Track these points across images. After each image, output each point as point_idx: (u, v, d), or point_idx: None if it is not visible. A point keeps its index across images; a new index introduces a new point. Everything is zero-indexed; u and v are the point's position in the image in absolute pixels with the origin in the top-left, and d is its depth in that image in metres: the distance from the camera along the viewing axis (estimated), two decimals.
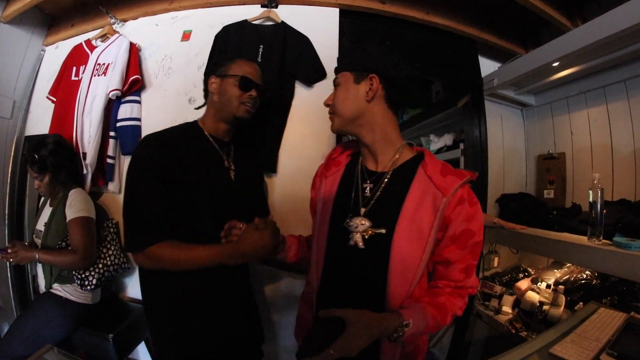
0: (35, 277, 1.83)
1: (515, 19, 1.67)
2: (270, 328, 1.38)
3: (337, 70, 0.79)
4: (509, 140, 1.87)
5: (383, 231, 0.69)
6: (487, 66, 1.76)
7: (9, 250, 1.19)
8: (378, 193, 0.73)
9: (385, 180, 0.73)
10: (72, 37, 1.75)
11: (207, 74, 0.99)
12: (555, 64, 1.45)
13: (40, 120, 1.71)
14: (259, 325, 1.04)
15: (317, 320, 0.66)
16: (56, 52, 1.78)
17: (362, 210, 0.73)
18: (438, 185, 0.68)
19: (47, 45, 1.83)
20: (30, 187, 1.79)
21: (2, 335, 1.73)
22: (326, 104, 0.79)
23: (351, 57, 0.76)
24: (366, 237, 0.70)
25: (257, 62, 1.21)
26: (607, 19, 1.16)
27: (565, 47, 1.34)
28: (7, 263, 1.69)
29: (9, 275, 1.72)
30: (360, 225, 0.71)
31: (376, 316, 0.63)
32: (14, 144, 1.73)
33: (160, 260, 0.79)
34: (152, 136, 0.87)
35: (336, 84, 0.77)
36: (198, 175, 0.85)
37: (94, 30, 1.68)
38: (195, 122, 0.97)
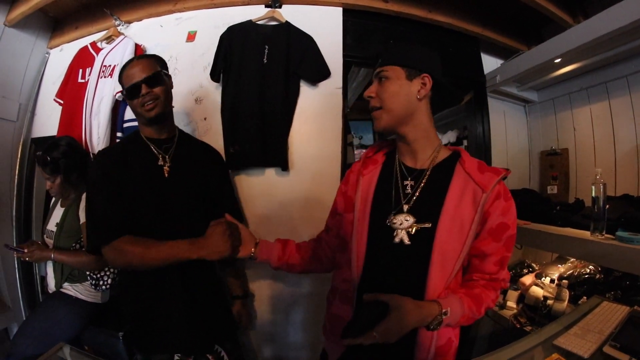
0: (43, 278, 1.86)
1: (518, 16, 1.69)
2: (276, 325, 1.41)
3: (383, 63, 0.74)
4: (512, 137, 1.89)
5: (429, 225, 0.71)
6: (490, 63, 1.77)
7: (26, 250, 1.22)
8: (419, 190, 0.74)
9: (426, 177, 0.75)
10: (77, 39, 1.77)
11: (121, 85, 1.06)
12: (557, 61, 1.46)
13: (46, 122, 1.73)
14: (223, 315, 1.12)
15: (363, 304, 0.68)
16: (61, 55, 1.80)
17: (405, 207, 0.74)
18: (478, 182, 0.71)
19: (51, 48, 1.85)
20: (37, 188, 1.82)
21: (10, 335, 1.77)
22: (368, 96, 0.75)
23: (403, 53, 0.74)
24: (412, 232, 0.72)
25: (262, 63, 1.24)
26: (608, 16, 1.17)
27: (567, 44, 1.35)
28: (15, 264, 1.73)
29: (17, 276, 1.75)
30: (405, 221, 0.73)
31: (418, 303, 0.66)
32: (20, 146, 1.75)
33: (126, 253, 0.87)
34: (98, 152, 1.07)
35: (383, 77, 0.73)
36: (134, 175, 0.96)
37: (98, 32, 1.69)
38: (137, 130, 1.08)
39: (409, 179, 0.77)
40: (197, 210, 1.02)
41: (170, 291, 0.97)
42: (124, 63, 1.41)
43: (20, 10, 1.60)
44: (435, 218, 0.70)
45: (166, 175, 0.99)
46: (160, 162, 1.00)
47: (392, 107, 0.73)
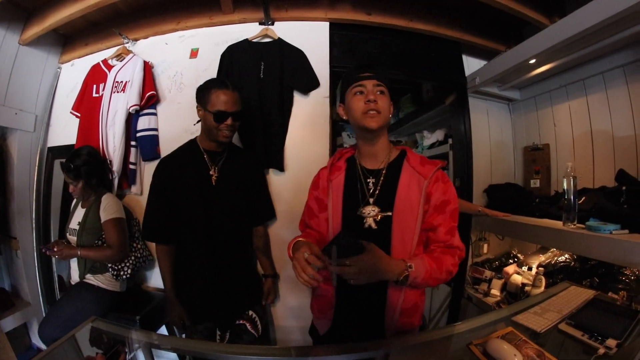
0: (60, 277, 2.03)
1: (497, 19, 1.77)
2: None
3: (379, 78, 0.91)
4: (496, 134, 1.98)
5: (390, 214, 0.88)
6: (474, 64, 1.87)
7: (55, 249, 1.39)
8: (379, 185, 0.92)
9: (383, 174, 0.94)
10: (87, 55, 1.93)
11: (197, 99, 1.20)
12: (532, 61, 1.55)
13: (61, 132, 1.89)
14: (252, 286, 1.36)
15: (344, 233, 0.81)
16: (72, 69, 1.96)
17: (371, 200, 0.92)
18: (420, 172, 0.90)
19: (62, 63, 2.01)
20: (54, 192, 1.98)
21: (30, 330, 1.93)
22: (373, 100, 0.88)
23: (389, 79, 0.94)
24: (378, 219, 0.89)
25: (260, 78, 1.40)
26: (580, 16, 1.23)
27: (540, 45, 1.42)
28: (35, 263, 1.90)
29: (37, 274, 1.92)
30: (372, 211, 0.90)
31: (388, 256, 0.82)
32: (38, 154, 1.92)
33: (157, 257, 1.25)
34: (162, 159, 1.26)
35: (382, 91, 0.90)
36: (187, 183, 1.18)
37: (107, 49, 1.85)
38: (195, 141, 1.26)
39: (370, 177, 0.95)
40: (238, 211, 1.26)
41: (200, 270, 1.22)
42: (134, 80, 1.61)
43: (33, 31, 1.75)
44: (393, 206, 0.88)
45: (213, 183, 1.21)
46: (211, 172, 1.22)
47: (385, 113, 0.91)
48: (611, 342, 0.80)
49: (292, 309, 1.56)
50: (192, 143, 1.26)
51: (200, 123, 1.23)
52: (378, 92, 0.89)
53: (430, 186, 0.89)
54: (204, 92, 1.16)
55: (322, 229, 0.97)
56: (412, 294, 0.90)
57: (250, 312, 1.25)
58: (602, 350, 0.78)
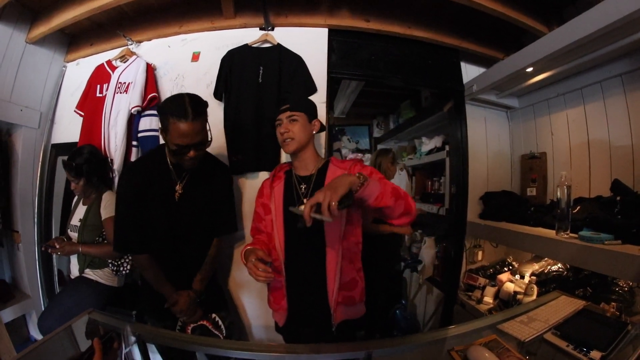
0: (60, 271, 2.06)
1: (496, 27, 1.78)
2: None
3: (292, 109, 1.09)
4: (494, 141, 1.98)
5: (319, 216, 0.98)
6: (472, 71, 1.88)
7: (57, 246, 1.43)
8: (311, 188, 1.10)
9: (314, 178, 1.11)
10: (92, 55, 1.96)
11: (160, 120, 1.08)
12: (529, 70, 1.55)
13: (65, 130, 1.92)
14: (215, 292, 1.35)
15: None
16: (77, 68, 1.99)
17: (304, 200, 1.08)
18: (341, 167, 1.10)
19: (67, 62, 2.04)
20: (57, 188, 2.01)
21: (28, 322, 1.97)
22: (284, 133, 1.08)
23: (305, 104, 1.14)
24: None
25: (258, 83, 1.41)
26: (576, 24, 1.23)
27: (537, 53, 1.43)
28: (36, 257, 1.94)
29: (37, 267, 1.95)
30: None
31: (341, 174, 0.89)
32: (41, 151, 1.95)
33: (141, 267, 1.21)
34: (128, 167, 1.23)
35: (294, 119, 1.09)
36: (153, 196, 1.14)
37: (112, 49, 1.89)
38: (164, 150, 1.18)
39: (303, 183, 1.13)
40: (201, 225, 1.22)
41: (172, 275, 1.20)
42: (137, 81, 1.65)
43: (40, 30, 1.79)
44: None
45: (176, 199, 1.18)
46: (176, 187, 1.18)
47: (299, 138, 1.09)
48: (595, 354, 0.80)
49: (255, 309, 1.61)
50: (160, 152, 1.20)
51: None
52: (290, 122, 1.09)
53: (351, 171, 1.03)
54: (162, 117, 1.04)
55: (269, 229, 1.14)
56: (349, 269, 1.06)
57: (213, 315, 1.23)
58: None
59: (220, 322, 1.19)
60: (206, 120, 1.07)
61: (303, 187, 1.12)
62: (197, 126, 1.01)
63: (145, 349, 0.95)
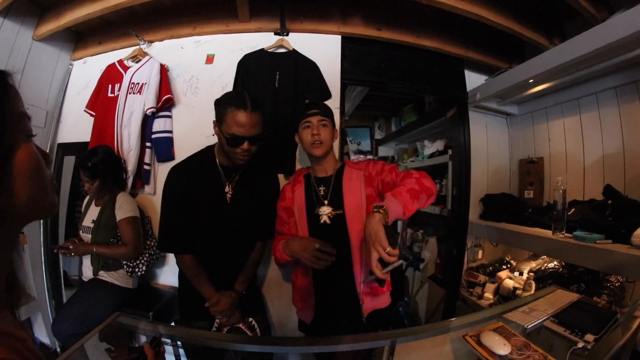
0: (66, 272, 2.04)
1: (499, 38, 1.87)
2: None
3: (323, 114, 1.16)
4: (494, 146, 2.08)
5: (340, 211, 1.12)
6: (475, 79, 1.97)
7: (71, 247, 1.43)
8: (330, 189, 1.17)
9: (332, 180, 1.19)
10: (100, 53, 1.94)
11: (215, 112, 1.11)
12: (531, 81, 1.65)
13: (71, 129, 1.91)
14: (253, 295, 1.38)
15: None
16: (84, 67, 1.97)
17: (325, 201, 1.16)
18: (356, 168, 1.20)
19: (74, 60, 2.00)
20: (63, 189, 1.99)
21: (33, 325, 1.93)
22: (315, 135, 1.15)
23: (331, 112, 1.22)
24: (331, 216, 1.13)
25: (275, 87, 1.44)
26: (577, 43, 1.33)
27: (538, 67, 1.53)
28: (42, 259, 1.92)
29: (43, 269, 1.93)
30: (326, 210, 1.15)
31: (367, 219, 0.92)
32: (47, 150, 1.90)
33: (183, 267, 1.20)
34: (175, 167, 1.19)
35: (325, 124, 1.16)
36: (202, 197, 1.15)
37: (121, 48, 1.87)
38: (212, 151, 1.21)
39: (322, 185, 1.20)
40: (250, 228, 1.24)
41: (214, 276, 1.21)
42: (151, 83, 1.66)
43: (48, 27, 1.76)
44: (342, 202, 1.13)
45: (228, 201, 1.19)
46: (226, 189, 1.19)
47: (328, 143, 1.17)
48: (589, 337, 0.90)
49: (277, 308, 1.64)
50: (209, 153, 1.21)
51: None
52: (321, 126, 1.15)
53: (366, 171, 1.16)
54: (219, 108, 1.07)
55: (293, 231, 1.19)
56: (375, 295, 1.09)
57: (250, 319, 1.25)
58: (580, 344, 0.88)
59: (255, 326, 1.21)
60: (262, 117, 1.10)
61: (322, 189, 1.19)
62: (255, 118, 1.05)
63: (177, 352, 0.99)
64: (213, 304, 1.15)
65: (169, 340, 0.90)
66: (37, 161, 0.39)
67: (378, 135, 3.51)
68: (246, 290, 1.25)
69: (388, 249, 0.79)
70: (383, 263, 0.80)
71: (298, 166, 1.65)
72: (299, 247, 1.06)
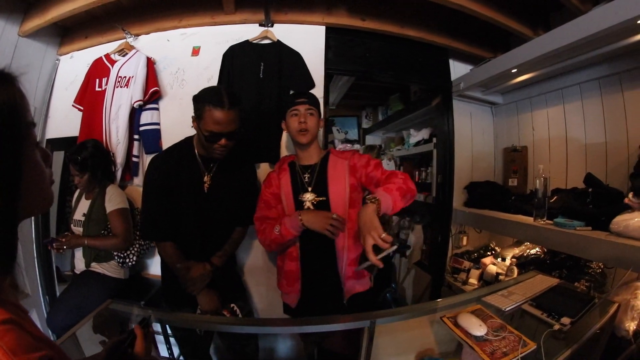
0: (58, 268, 2.04)
1: (485, 28, 1.88)
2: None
3: (310, 103, 1.19)
4: (478, 135, 2.11)
5: (324, 198, 1.18)
6: (460, 68, 1.99)
7: (63, 240, 1.45)
8: (314, 176, 1.22)
9: (317, 167, 1.23)
10: (87, 48, 1.93)
11: (194, 108, 1.12)
12: (514, 70, 1.67)
13: (60, 124, 1.90)
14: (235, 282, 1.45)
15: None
16: (71, 62, 1.96)
17: (309, 188, 1.21)
18: (341, 157, 1.24)
19: (61, 55, 1.99)
20: (54, 185, 2.00)
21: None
22: (302, 123, 1.18)
23: (317, 102, 1.25)
24: (314, 203, 1.19)
25: (259, 78, 1.45)
26: (560, 33, 1.34)
27: (522, 56, 1.54)
28: (35, 254, 1.93)
29: (36, 265, 1.94)
30: (309, 197, 1.20)
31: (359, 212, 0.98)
32: None
33: (164, 254, 1.23)
34: (155, 157, 1.25)
35: (312, 113, 1.20)
36: (181, 187, 1.19)
37: (108, 42, 1.87)
38: (191, 142, 1.24)
39: (307, 172, 1.24)
40: (228, 216, 1.27)
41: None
42: (138, 76, 1.67)
43: (34, 23, 1.74)
44: (326, 188, 1.19)
45: (206, 190, 1.22)
46: (205, 179, 1.23)
47: (313, 131, 1.20)
48: (565, 320, 0.93)
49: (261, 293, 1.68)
50: (188, 144, 1.25)
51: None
52: (308, 114, 1.19)
53: (351, 161, 1.21)
54: (197, 105, 1.09)
55: (281, 215, 1.23)
56: (354, 247, 1.16)
57: (232, 305, 1.27)
58: (557, 327, 0.91)
59: (238, 311, 1.25)
60: (239, 113, 1.12)
61: (307, 176, 1.23)
62: (232, 115, 1.08)
63: (166, 332, 1.03)
64: (183, 270, 1.16)
65: (159, 326, 0.93)
66: (41, 169, 0.42)
67: (365, 124, 3.53)
68: (224, 270, 1.27)
69: (383, 234, 0.84)
70: (377, 249, 0.85)
71: (282, 155, 1.66)
72: (316, 218, 1.11)
